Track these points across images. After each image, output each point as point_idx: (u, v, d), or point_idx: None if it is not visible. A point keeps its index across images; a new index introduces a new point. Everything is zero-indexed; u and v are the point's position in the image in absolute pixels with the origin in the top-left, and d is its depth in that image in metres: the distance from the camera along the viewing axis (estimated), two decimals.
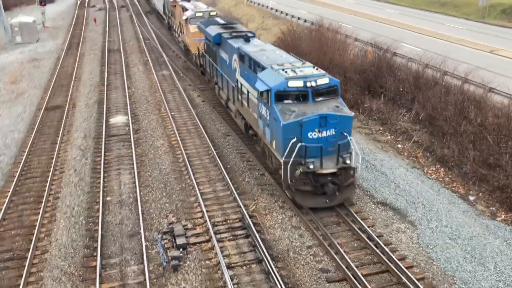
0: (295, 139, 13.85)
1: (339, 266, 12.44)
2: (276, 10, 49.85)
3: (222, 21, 25.98)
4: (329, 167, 14.07)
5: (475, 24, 41.72)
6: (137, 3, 64.49)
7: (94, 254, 13.21)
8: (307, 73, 14.89)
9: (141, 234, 13.91)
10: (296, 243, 13.67)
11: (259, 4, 56.06)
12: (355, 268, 12.14)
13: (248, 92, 17.48)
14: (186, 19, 30.34)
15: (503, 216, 15.01)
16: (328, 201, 14.38)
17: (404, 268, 12.09)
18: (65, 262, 13.05)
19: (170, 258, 12.74)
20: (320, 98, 14.65)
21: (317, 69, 15.45)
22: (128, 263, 12.97)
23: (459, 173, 17.21)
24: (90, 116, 24.25)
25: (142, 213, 15.08)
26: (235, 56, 19.45)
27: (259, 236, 13.62)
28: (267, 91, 14.68)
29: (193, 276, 12.33)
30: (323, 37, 29.96)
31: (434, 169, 17.93)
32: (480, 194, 16.19)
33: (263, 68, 15.99)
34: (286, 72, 14.94)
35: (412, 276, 11.74)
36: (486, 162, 16.52)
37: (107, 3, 65.10)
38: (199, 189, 16.45)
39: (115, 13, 56.98)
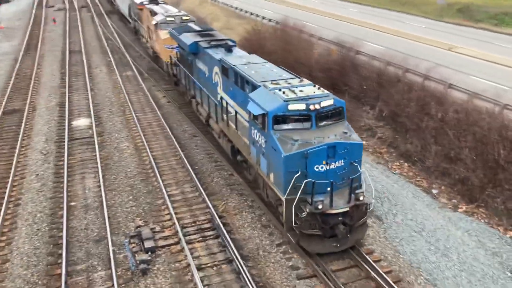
0: (299, 173, 11.86)
1: (308, 263, 12.54)
2: (241, 10, 49.88)
3: (197, 27, 23.92)
4: (340, 206, 11.99)
5: (434, 22, 43.02)
6: (98, 3, 63.02)
7: (59, 261, 12.79)
8: (308, 94, 12.89)
9: (108, 239, 13.59)
10: (265, 241, 13.69)
11: (223, 3, 55.91)
12: (324, 265, 12.28)
13: (236, 112, 15.49)
14: (156, 24, 28.25)
15: (464, 207, 15.54)
16: (338, 245, 12.29)
17: (372, 262, 12.32)
18: (28, 271, 12.59)
19: (138, 262, 12.49)
20: (324, 122, 12.74)
21: (319, 88, 13.42)
22: (95, 269, 12.65)
23: (422, 167, 17.70)
24: (51, 120, 23.50)
25: (109, 218, 14.74)
26: (216, 69, 17.69)
27: (229, 236, 13.56)
28: (263, 115, 12.67)
29: (162, 279, 12.16)
30: (288, 36, 30.21)
31: (398, 164, 18.38)
32: (443, 187, 16.71)
33: (254, 86, 14.17)
34: (284, 92, 12.93)
35: (380, 270, 11.98)
36: (448, 156, 17.06)
37: (67, 3, 63.28)
38: (167, 191, 16.23)
39: (75, 13, 55.45)
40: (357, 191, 12.13)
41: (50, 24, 49.77)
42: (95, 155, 19.10)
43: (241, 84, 15.23)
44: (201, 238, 13.78)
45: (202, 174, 17.75)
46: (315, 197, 11.77)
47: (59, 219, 14.87)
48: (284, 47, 28.89)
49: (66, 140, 20.48)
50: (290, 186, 11.83)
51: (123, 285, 11.96)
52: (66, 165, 18.17)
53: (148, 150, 19.34)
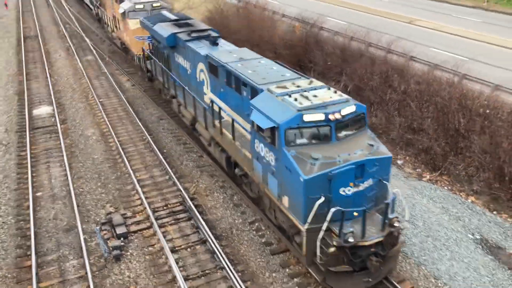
0: (322, 199, 9.75)
1: (281, 238, 12.76)
2: None
3: (171, 16, 21.21)
4: (373, 236, 9.94)
5: None
6: None
7: (28, 253, 12.54)
8: (325, 100, 10.68)
9: (78, 228, 13.39)
10: (238, 220, 13.83)
11: None
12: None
13: (233, 120, 13.21)
14: (123, 13, 25.24)
15: (428, 176, 16.10)
16: (371, 280, 10.40)
17: None
18: None
19: (111, 248, 12.41)
20: (345, 133, 10.66)
21: (335, 92, 11.22)
22: (66, 258, 12.48)
23: (387, 139, 18.13)
24: (10, 109, 22.65)
25: (78, 206, 14.49)
26: (201, 66, 15.77)
27: (202, 217, 13.62)
28: (273, 129, 10.46)
29: (136, 264, 12.13)
30: (251, 15, 29.92)
31: None
32: (407, 158, 17.22)
33: (254, 90, 12.18)
34: (296, 99, 10.67)
35: None
36: (411, 127, 17.53)
37: None
38: (136, 176, 16.06)
39: None
40: (391, 216, 10.06)
41: (2, 9, 47.47)
42: (60, 144, 18.61)
43: (236, 85, 13.30)
44: (173, 221, 13.77)
45: (171, 157, 17.62)
46: (345, 229, 9.69)
47: (25, 210, 14.51)
48: (248, 25, 28.64)
49: (27, 129, 19.84)
50: (312, 214, 9.76)
51: (97, 272, 11.88)
52: (30, 155, 17.65)
53: (114, 136, 19.00)
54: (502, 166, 14.11)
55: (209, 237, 12.67)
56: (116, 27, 29.23)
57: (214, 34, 17.81)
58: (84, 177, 16.40)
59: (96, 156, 17.86)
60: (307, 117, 10.24)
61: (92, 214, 14.30)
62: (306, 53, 24.47)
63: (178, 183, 15.43)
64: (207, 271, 11.72)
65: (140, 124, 20.04)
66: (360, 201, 10.06)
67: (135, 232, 13.33)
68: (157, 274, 11.76)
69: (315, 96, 10.90)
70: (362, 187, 10.16)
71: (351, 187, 10.02)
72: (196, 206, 14.30)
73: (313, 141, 10.44)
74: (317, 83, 11.93)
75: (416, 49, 22.74)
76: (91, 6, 40.96)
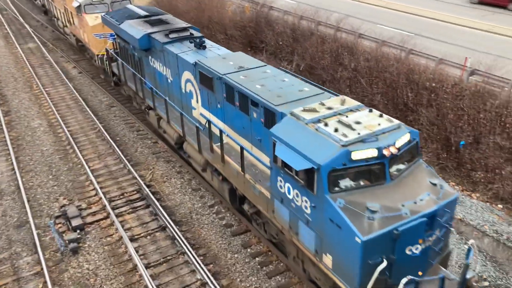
0: (385, 263, 7.63)
1: (241, 220, 12.86)
2: None
3: (140, 11, 18.02)
4: None
5: None
6: None
7: None
8: (372, 128, 8.37)
9: (30, 223, 12.89)
10: (198, 204, 13.78)
11: None
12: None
13: (242, 148, 10.65)
14: (78, 7, 22.22)
15: None
16: None
17: None
18: None
19: (67, 241, 12.06)
20: (396, 167, 8.43)
21: (381, 115, 8.91)
22: (19, 255, 12.01)
23: None
24: None
25: (28, 201, 13.93)
26: (189, 75, 13.37)
27: (160, 204, 13.46)
28: (311, 170, 8.06)
29: (95, 255, 11.87)
30: None
31: None
32: None
33: (270, 112, 9.85)
34: (336, 130, 8.26)
35: None
36: (362, 103, 17.93)
37: None
38: (89, 166, 15.59)
39: None
40: (468, 276, 8.03)
41: None
42: (4, 137, 17.71)
43: (241, 104, 10.99)
44: (131, 210, 13.53)
45: (124, 145, 17.20)
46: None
47: None
48: (197, 7, 28.13)
49: None
50: (372, 284, 7.58)
51: (54, 267, 11.53)
52: None
53: (64, 126, 18.29)
54: (448, 136, 14.77)
55: (169, 223, 12.57)
56: (69, 22, 25.80)
57: (196, 33, 15.31)
58: (34, 170, 15.74)
59: (45, 148, 17.15)
60: (357, 155, 7.90)
61: (45, 208, 13.79)
62: (257, 33, 24.37)
63: (133, 171, 15.13)
64: (168, 257, 11.66)
65: (90, 112, 19.38)
66: (426, 259, 8.15)
67: (91, 223, 13.00)
68: (117, 264, 11.57)
69: (357, 122, 8.48)
70: (431, 241, 8.09)
71: (420, 244, 7.91)
72: (153, 193, 14.10)
73: (362, 183, 8.12)
74: (351, 102, 9.55)
75: (364, 26, 23.15)
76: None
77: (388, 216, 7.65)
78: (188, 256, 11.47)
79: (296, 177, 8.52)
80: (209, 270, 11.05)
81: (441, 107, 15.31)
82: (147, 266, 11.27)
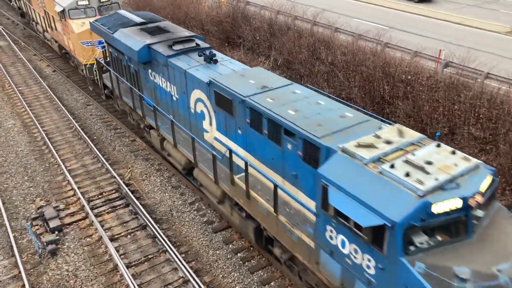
0: None
1: (222, 216, 12.85)
2: None
3: (134, 17, 16.26)
4: None
5: None
6: None
7: None
8: (448, 169, 7.00)
9: (6, 226, 12.60)
10: (178, 202, 13.70)
11: None
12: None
13: (276, 186, 9.10)
14: (62, 12, 19.98)
15: None
16: None
17: None
18: None
19: (45, 243, 11.84)
20: (478, 214, 7.03)
21: (453, 152, 7.51)
22: None
23: None
24: None
25: (3, 203, 13.61)
26: (200, 94, 11.72)
27: (139, 203, 13.33)
28: (381, 229, 6.65)
29: (74, 256, 11.69)
30: None
31: None
32: None
33: (312, 146, 8.31)
34: (407, 174, 6.84)
35: None
36: (340, 97, 18.08)
37: None
38: (66, 166, 15.32)
39: None
40: None
41: None
42: None
43: (271, 132, 9.43)
44: (110, 209, 13.36)
45: (102, 143, 16.95)
46: None
47: None
48: (173, 2, 27.84)
49: None
50: None
51: (32, 270, 11.31)
52: None
53: (39, 126, 17.90)
54: (424, 128, 15.02)
55: (149, 221, 12.46)
56: (50, 27, 23.58)
57: (203, 44, 13.69)
58: (8, 171, 15.38)
59: (20, 148, 16.77)
60: (438, 207, 6.50)
61: (21, 210, 13.50)
62: (234, 28, 24.27)
63: (111, 170, 14.93)
64: (149, 256, 11.57)
65: (66, 111, 19.01)
66: None
67: (70, 224, 12.79)
68: (97, 264, 11.42)
69: (429, 163, 7.09)
70: None
71: None
72: (132, 191, 13.95)
73: (440, 239, 6.74)
74: (409, 133, 8.09)
75: (340, 20, 23.33)
76: None
77: (485, 286, 6.14)
78: (170, 254, 11.41)
79: (356, 231, 7.10)
80: (191, 268, 11.01)
81: (417, 99, 15.55)
82: (128, 266, 11.17)
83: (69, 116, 18.60)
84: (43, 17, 24.41)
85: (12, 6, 35.07)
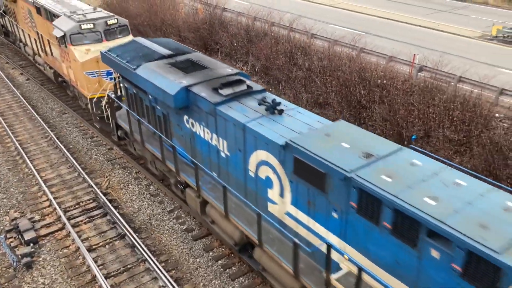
0: None
1: (202, 223, 12.76)
2: None
3: (157, 47, 13.35)
4: None
5: None
6: None
7: None
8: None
9: None
10: (157, 210, 13.55)
11: None
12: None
13: None
14: (63, 37, 16.99)
15: None
16: None
17: None
18: None
19: (20, 256, 11.54)
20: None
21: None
22: None
23: None
24: None
25: None
26: (266, 156, 9.17)
27: (118, 212, 13.14)
28: None
29: (51, 268, 11.42)
30: None
31: None
32: None
33: (489, 264, 5.68)
34: None
35: None
36: (317, 102, 18.27)
37: None
38: (41, 176, 15.00)
39: None
40: None
41: None
42: None
43: (400, 229, 6.82)
44: (87, 219, 13.12)
45: (78, 152, 16.67)
46: None
47: None
48: (149, 9, 27.69)
49: None
50: None
51: (6, 284, 10.99)
52: None
53: (12, 135, 17.50)
54: (401, 131, 15.28)
55: (128, 231, 12.28)
56: (44, 51, 20.76)
57: (254, 85, 11.04)
58: None
59: None
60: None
61: None
62: (212, 35, 24.29)
63: (88, 179, 14.68)
64: (129, 266, 11.39)
65: (40, 120, 18.64)
66: None
67: (46, 235, 12.50)
68: (75, 276, 11.18)
69: None
70: None
71: None
72: (110, 201, 13.74)
73: None
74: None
75: (316, 25, 23.58)
76: None
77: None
78: (149, 263, 11.26)
79: None
80: (171, 276, 10.88)
81: (392, 103, 15.82)
82: (106, 276, 10.97)
83: (44, 125, 18.24)
84: (35, 40, 21.80)
85: None
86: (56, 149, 16.83)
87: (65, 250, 12.02)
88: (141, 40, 14.44)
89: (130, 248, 11.97)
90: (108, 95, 14.76)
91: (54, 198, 13.85)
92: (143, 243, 11.89)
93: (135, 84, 12.91)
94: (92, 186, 14.36)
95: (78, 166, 15.39)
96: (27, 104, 20.18)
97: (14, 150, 16.86)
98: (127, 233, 12.24)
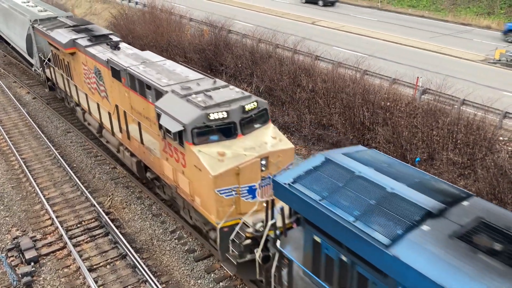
0: None
1: (204, 244, 12.66)
2: None
3: (353, 163, 8.13)
4: None
5: None
6: None
7: None
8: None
9: None
10: (159, 230, 13.48)
11: None
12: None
13: None
14: (180, 134, 10.87)
15: None
16: None
17: None
18: None
19: (20, 275, 11.46)
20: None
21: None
22: None
23: (300, 136, 18.77)
24: None
25: None
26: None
27: (119, 232, 13.08)
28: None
29: None
30: (158, 19, 29.38)
31: None
32: (320, 153, 17.96)
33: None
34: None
35: None
36: (321, 123, 18.31)
37: None
38: (44, 195, 15.01)
39: None
40: None
41: None
42: None
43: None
44: (89, 239, 13.07)
45: (81, 171, 16.70)
46: None
47: None
48: (155, 30, 28.07)
49: None
50: None
51: None
52: None
53: (17, 153, 17.59)
54: (404, 153, 15.24)
55: (129, 251, 12.20)
56: (126, 133, 14.70)
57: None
58: None
59: None
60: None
61: None
62: (217, 56, 24.52)
63: (91, 198, 14.67)
64: (129, 287, 11.27)
65: (45, 138, 18.75)
66: None
67: (47, 254, 12.43)
68: None
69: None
70: None
71: None
72: (112, 220, 13.69)
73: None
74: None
75: (320, 48, 23.78)
76: (27, 57, 24.93)
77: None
78: (150, 284, 11.14)
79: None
80: None
81: (396, 125, 15.82)
82: None
83: (49, 143, 18.34)
84: (108, 113, 15.67)
85: (34, 73, 25.62)
86: (60, 167, 16.87)
87: (65, 270, 11.93)
88: (338, 157, 8.55)
89: (131, 268, 11.87)
90: (275, 234, 8.97)
91: (56, 217, 13.83)
92: (144, 264, 11.80)
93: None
94: (94, 205, 14.34)
95: (81, 185, 15.40)
96: (32, 122, 20.34)
97: (18, 168, 16.92)
98: (129, 253, 12.16)
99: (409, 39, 30.27)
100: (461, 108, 17.03)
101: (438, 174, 14.15)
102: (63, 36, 17.87)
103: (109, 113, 15.70)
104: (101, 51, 15.80)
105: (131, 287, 11.25)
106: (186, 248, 12.68)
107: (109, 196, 15.11)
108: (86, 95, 17.42)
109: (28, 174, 16.16)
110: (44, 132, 19.61)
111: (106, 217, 13.67)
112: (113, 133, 15.99)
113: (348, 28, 32.74)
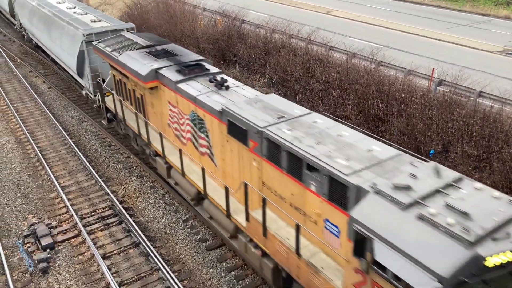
0: None
1: (217, 234, 12.75)
2: None
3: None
4: None
5: None
6: None
7: None
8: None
9: None
10: (172, 219, 13.60)
11: None
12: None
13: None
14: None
15: None
16: None
17: None
18: None
19: (36, 261, 11.70)
20: None
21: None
22: None
23: None
24: None
25: None
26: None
27: (133, 220, 13.24)
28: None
29: (66, 275, 11.54)
30: (171, 9, 29.40)
31: None
32: None
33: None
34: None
35: None
36: (334, 114, 18.15)
37: None
38: (59, 183, 15.23)
39: None
40: None
41: None
42: None
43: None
44: (103, 227, 13.26)
45: (96, 160, 16.90)
46: None
47: None
48: (169, 20, 28.10)
49: None
50: None
51: None
52: None
53: (33, 142, 17.85)
54: (418, 146, 15.08)
55: (142, 239, 12.35)
56: (263, 229, 9.58)
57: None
58: (1, 188, 15.26)
59: (14, 165, 16.68)
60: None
61: (13, 227, 13.36)
62: (230, 46, 24.47)
63: (105, 187, 14.85)
64: (142, 274, 11.44)
65: (60, 127, 18.99)
66: None
67: (62, 241, 12.66)
68: (89, 283, 11.27)
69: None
70: None
71: None
72: (126, 209, 13.86)
73: None
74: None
75: (334, 38, 23.55)
76: (76, 77, 21.05)
77: None
78: (163, 272, 11.28)
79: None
80: (184, 286, 10.89)
81: (410, 117, 15.64)
82: (120, 284, 11.02)
83: (64, 132, 18.56)
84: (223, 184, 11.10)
85: (88, 98, 20.97)
86: (75, 156, 17.09)
87: (80, 257, 12.14)
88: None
89: (144, 256, 12.02)
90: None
91: (71, 205, 14.03)
92: (157, 252, 11.94)
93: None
94: (108, 194, 14.52)
95: (95, 174, 15.59)
96: (48, 111, 20.59)
97: (34, 156, 17.18)
98: (142, 241, 12.31)
99: (425, 30, 29.79)
100: (478, 100, 16.77)
101: (453, 166, 14.00)
102: (138, 63, 13.68)
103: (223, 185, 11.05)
104: (201, 91, 11.86)
105: (144, 275, 11.40)
106: (198, 238, 12.78)
107: (123, 185, 15.27)
108: (180, 150, 12.61)
109: (44, 162, 16.40)
110: (59, 121, 19.84)
111: (120, 205, 13.84)
112: (228, 215, 11.00)
113: (363, 18, 32.33)
